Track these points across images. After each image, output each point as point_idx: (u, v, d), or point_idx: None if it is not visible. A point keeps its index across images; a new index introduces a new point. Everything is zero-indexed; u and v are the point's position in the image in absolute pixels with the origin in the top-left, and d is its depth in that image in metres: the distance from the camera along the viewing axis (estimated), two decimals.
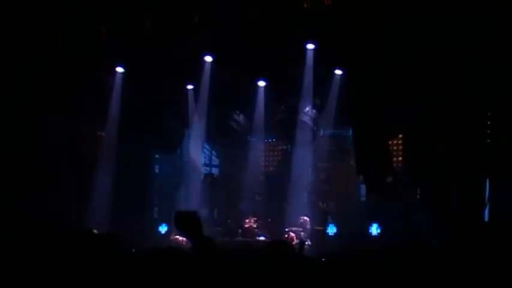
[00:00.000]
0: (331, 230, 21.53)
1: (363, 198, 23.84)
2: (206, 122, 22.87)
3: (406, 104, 18.17)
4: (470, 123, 15.55)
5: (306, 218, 21.97)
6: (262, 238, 21.37)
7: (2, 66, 19.03)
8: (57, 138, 21.02)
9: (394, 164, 19.15)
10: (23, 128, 19.73)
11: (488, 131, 16.23)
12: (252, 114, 22.79)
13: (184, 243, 21.79)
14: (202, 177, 25.61)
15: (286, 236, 20.59)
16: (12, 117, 19.54)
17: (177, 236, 22.02)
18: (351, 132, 19.57)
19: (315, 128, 21.99)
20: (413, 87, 18.03)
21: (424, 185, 17.86)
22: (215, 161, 27.09)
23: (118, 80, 21.39)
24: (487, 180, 16.37)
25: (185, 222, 5.85)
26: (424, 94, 17.08)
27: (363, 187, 21.81)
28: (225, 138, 23.57)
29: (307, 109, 21.48)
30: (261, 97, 22.21)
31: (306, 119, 21.62)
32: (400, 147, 20.47)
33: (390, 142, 17.77)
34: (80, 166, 20.89)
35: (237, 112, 22.92)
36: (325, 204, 23.36)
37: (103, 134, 21.56)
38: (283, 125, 22.30)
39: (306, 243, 19.18)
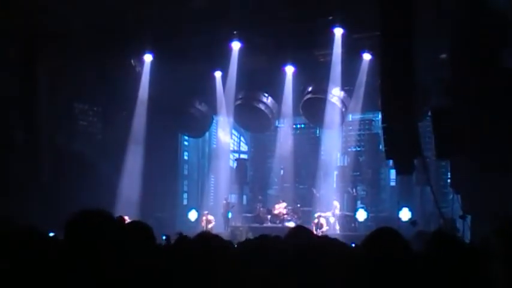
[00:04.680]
0: (362, 215, 21.48)
1: (393, 183, 23.74)
2: (234, 107, 22.85)
3: (435, 87, 18.00)
4: (503, 106, 15.28)
5: (335, 203, 21.98)
6: (291, 224, 21.39)
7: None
8: (89, 125, 21.27)
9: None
10: (56, 115, 19.98)
11: None
12: (280, 98, 22.80)
13: (213, 222, 22.02)
14: (233, 161, 25.78)
15: (316, 221, 20.59)
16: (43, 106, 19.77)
17: (209, 215, 22.22)
18: (379, 116, 19.39)
19: (343, 110, 21.73)
20: (443, 69, 17.86)
21: (454, 168, 17.66)
22: (243, 147, 27.17)
23: (147, 67, 21.50)
24: None
25: None
26: (454, 77, 16.89)
27: (392, 172, 21.67)
28: (253, 121, 23.36)
29: (335, 90, 21.26)
30: (289, 82, 22.15)
31: (335, 100, 21.40)
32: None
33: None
34: (111, 153, 21.08)
35: (265, 94, 22.76)
36: (354, 190, 23.30)
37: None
38: (311, 106, 22.04)
39: None
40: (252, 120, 23.30)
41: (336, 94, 21.27)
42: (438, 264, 3.37)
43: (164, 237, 9.53)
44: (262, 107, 22.72)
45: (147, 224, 3.99)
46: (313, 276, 2.16)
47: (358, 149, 24.03)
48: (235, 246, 4.54)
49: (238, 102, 22.66)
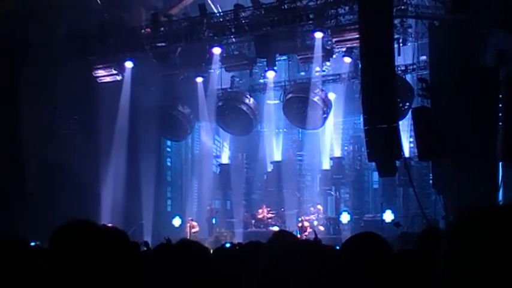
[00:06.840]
0: (345, 217, 21.54)
1: (376, 186, 23.84)
2: (216, 109, 22.65)
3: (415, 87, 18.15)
4: (483, 106, 15.43)
5: (319, 206, 22.01)
6: (276, 228, 21.38)
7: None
8: (71, 134, 21.11)
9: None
10: (37, 125, 19.83)
11: (500, 114, 16.12)
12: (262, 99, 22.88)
13: (198, 228, 21.89)
14: (216, 167, 25.69)
15: (300, 225, 20.62)
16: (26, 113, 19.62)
17: (193, 221, 22.10)
18: (361, 119, 19.49)
19: (325, 109, 21.64)
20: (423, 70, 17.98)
21: (436, 169, 17.78)
22: (226, 152, 27.07)
23: (128, 73, 21.39)
24: (500, 163, 16.29)
25: None
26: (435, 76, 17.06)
27: (375, 174, 21.76)
28: (235, 122, 23.14)
29: (317, 90, 21.26)
30: (270, 85, 22.17)
31: (316, 99, 21.35)
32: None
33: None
34: (94, 161, 20.93)
35: (247, 95, 22.65)
36: (337, 192, 23.37)
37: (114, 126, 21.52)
38: (293, 106, 21.95)
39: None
40: (234, 122, 23.12)
41: (317, 93, 21.24)
42: (427, 262, 3.38)
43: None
44: (244, 107, 22.58)
45: (123, 230, 3.97)
46: (294, 280, 2.16)
47: (341, 151, 24.11)
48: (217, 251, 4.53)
49: (220, 103, 22.54)
